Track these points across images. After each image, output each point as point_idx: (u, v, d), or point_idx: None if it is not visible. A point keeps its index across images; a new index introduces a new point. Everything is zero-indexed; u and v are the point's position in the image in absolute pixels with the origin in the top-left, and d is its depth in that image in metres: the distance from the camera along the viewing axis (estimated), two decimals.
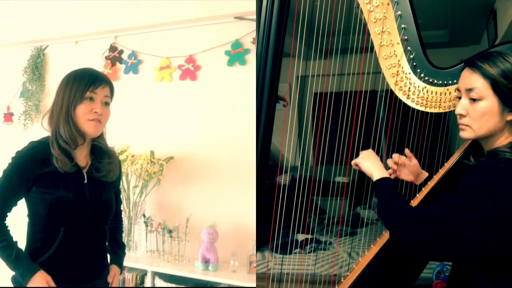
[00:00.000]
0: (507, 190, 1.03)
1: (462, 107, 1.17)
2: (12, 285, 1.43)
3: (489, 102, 1.12)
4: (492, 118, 1.12)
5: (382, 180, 1.28)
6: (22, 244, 1.43)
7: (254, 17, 2.34)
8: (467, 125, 1.17)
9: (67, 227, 1.39)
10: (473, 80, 1.14)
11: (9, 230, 1.40)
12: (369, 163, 1.33)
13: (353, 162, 1.39)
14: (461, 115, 1.17)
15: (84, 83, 1.38)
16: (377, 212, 1.28)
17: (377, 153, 1.46)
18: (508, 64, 1.11)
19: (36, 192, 1.37)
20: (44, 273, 1.36)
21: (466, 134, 1.18)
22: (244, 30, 2.41)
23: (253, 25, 2.36)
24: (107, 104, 1.44)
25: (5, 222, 1.40)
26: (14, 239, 1.41)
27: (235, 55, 2.44)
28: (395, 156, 1.48)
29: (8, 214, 1.41)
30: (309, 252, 3.20)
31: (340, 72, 1.88)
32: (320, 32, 1.63)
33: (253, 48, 2.40)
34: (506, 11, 3.04)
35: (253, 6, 2.24)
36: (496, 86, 1.11)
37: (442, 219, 1.09)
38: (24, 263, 1.36)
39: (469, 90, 1.15)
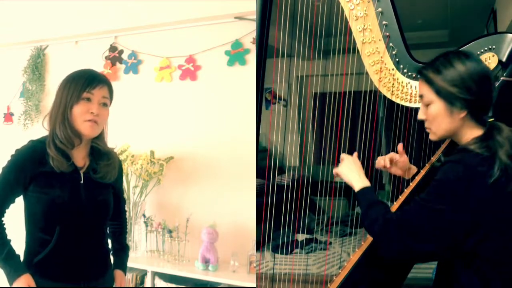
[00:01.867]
0: (474, 182, 1.07)
1: (420, 112, 1.25)
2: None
3: (437, 105, 1.19)
4: (444, 119, 1.19)
5: (362, 190, 1.31)
6: (21, 244, 1.44)
7: (254, 17, 2.34)
8: (429, 128, 1.24)
9: (63, 227, 1.39)
10: (421, 88, 1.23)
11: (5, 228, 1.40)
12: (349, 173, 1.36)
13: (334, 171, 1.41)
14: (423, 120, 1.25)
15: (81, 84, 1.38)
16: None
17: (375, 151, 1.47)
18: (451, 69, 1.16)
19: (33, 191, 1.37)
20: (29, 277, 1.36)
21: (431, 136, 1.25)
22: (244, 30, 2.41)
23: (253, 25, 2.36)
24: (105, 105, 1.43)
25: (3, 219, 1.40)
26: (15, 238, 1.41)
27: (235, 55, 2.44)
28: (387, 161, 1.48)
29: (6, 210, 1.41)
30: (308, 252, 3.21)
31: (337, 72, 1.89)
32: (318, 32, 1.63)
33: (253, 48, 2.40)
34: (506, 11, 3.04)
35: (253, 6, 2.24)
36: (438, 91, 1.17)
37: (413, 218, 1.13)
38: (11, 263, 1.37)
39: (421, 96, 1.23)
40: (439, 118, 1.19)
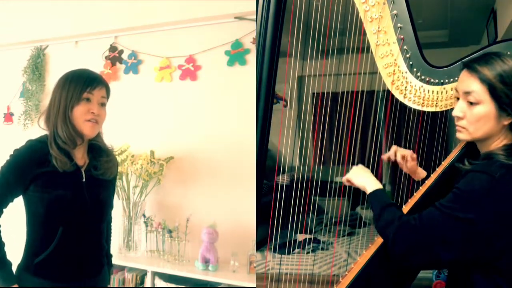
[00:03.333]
0: (498, 192, 1.04)
1: (459, 109, 1.15)
2: None
3: (486, 106, 1.11)
4: (489, 122, 1.12)
5: (375, 192, 1.28)
6: (20, 244, 1.44)
7: (254, 17, 2.34)
8: (463, 127, 1.16)
9: (65, 226, 1.39)
10: (471, 83, 1.13)
11: (0, 231, 1.40)
12: (361, 177, 1.34)
13: (344, 179, 1.39)
14: (459, 117, 1.16)
15: (81, 84, 1.39)
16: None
17: (376, 152, 1.47)
18: (506, 67, 1.09)
19: (34, 191, 1.37)
20: None
21: (462, 136, 1.17)
22: (244, 30, 2.41)
23: (253, 25, 2.36)
24: (103, 104, 1.45)
25: None
26: (14, 238, 1.41)
27: (235, 55, 2.44)
28: (399, 155, 1.47)
29: (4, 210, 1.40)
30: (309, 252, 3.21)
31: (337, 72, 1.89)
32: (317, 32, 1.63)
33: (253, 48, 2.40)
34: (506, 11, 3.04)
35: (253, 6, 2.24)
36: (494, 92, 1.09)
37: (434, 224, 1.09)
38: (2, 272, 1.37)
39: (467, 93, 1.13)
40: (483, 120, 1.11)
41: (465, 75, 1.15)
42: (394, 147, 1.49)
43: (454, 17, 3.82)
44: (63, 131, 1.38)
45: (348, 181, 1.38)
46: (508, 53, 1.32)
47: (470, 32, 4.01)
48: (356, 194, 1.49)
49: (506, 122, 1.11)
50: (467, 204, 1.05)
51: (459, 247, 1.06)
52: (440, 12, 3.74)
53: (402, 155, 1.47)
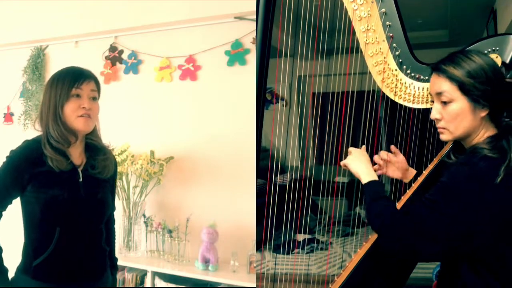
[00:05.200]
0: (480, 185, 1.06)
1: (436, 111, 1.19)
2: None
3: (459, 103, 1.14)
4: (466, 117, 1.14)
5: (369, 183, 1.29)
6: (18, 242, 1.44)
7: (254, 17, 2.34)
8: (444, 128, 1.19)
9: (62, 227, 1.38)
10: (440, 84, 1.17)
11: None
12: (358, 165, 1.34)
13: (342, 163, 1.39)
14: (437, 119, 1.19)
15: (69, 81, 1.38)
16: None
17: (377, 152, 1.47)
18: (473, 64, 1.13)
19: (31, 191, 1.36)
20: None
21: (445, 136, 1.20)
22: (244, 30, 2.41)
23: (253, 25, 2.36)
24: (94, 99, 1.43)
25: None
26: (13, 241, 1.40)
27: (235, 55, 2.44)
28: (382, 153, 1.49)
29: (3, 213, 1.39)
30: (308, 252, 3.21)
31: (337, 72, 1.89)
32: (317, 32, 1.63)
33: (253, 48, 2.40)
34: (506, 11, 3.04)
35: (253, 6, 2.25)
36: (463, 87, 1.13)
37: (421, 218, 1.11)
38: None
39: (439, 94, 1.17)
40: (460, 117, 1.14)
41: (434, 78, 1.20)
42: (376, 158, 1.50)
43: (454, 17, 3.83)
44: (54, 130, 1.37)
45: (345, 165, 1.38)
46: (497, 48, 1.35)
47: (470, 32, 4.02)
48: (356, 194, 1.50)
49: (482, 114, 1.14)
50: (449, 197, 1.08)
51: (441, 239, 1.09)
52: (440, 12, 3.74)
53: (381, 157, 1.48)
